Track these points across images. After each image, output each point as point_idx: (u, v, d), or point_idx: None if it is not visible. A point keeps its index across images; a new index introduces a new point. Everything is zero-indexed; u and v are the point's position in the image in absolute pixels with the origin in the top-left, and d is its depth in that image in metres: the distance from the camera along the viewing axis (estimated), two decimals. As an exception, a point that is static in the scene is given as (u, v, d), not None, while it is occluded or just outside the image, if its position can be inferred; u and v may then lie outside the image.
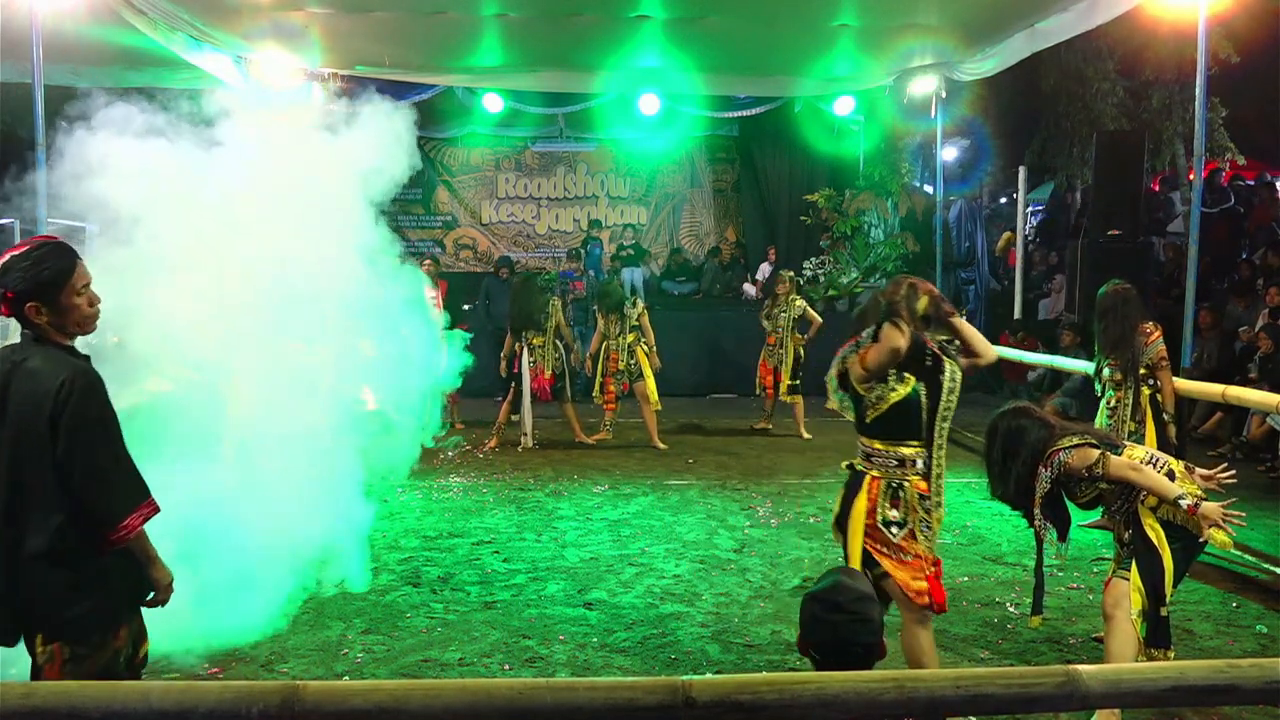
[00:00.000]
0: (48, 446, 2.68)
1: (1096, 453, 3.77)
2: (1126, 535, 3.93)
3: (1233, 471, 3.99)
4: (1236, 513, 3.68)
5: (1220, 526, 3.69)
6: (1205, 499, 3.73)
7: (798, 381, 10.06)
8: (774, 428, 10.27)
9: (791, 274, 10.56)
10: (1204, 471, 3.94)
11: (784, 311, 10.03)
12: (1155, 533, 3.82)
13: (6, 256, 2.75)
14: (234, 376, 4.84)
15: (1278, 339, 9.37)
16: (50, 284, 2.73)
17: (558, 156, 15.45)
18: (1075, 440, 3.82)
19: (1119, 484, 3.81)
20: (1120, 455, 3.81)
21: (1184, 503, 3.67)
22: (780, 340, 10.04)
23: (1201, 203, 7.95)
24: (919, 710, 1.61)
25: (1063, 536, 3.98)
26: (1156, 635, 3.80)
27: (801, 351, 10.07)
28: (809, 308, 10.19)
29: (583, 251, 14.00)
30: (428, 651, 4.68)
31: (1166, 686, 1.66)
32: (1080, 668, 1.67)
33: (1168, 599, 3.83)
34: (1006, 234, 14.52)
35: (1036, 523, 3.91)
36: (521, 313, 9.49)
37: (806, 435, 10.02)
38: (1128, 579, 3.86)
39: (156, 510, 2.86)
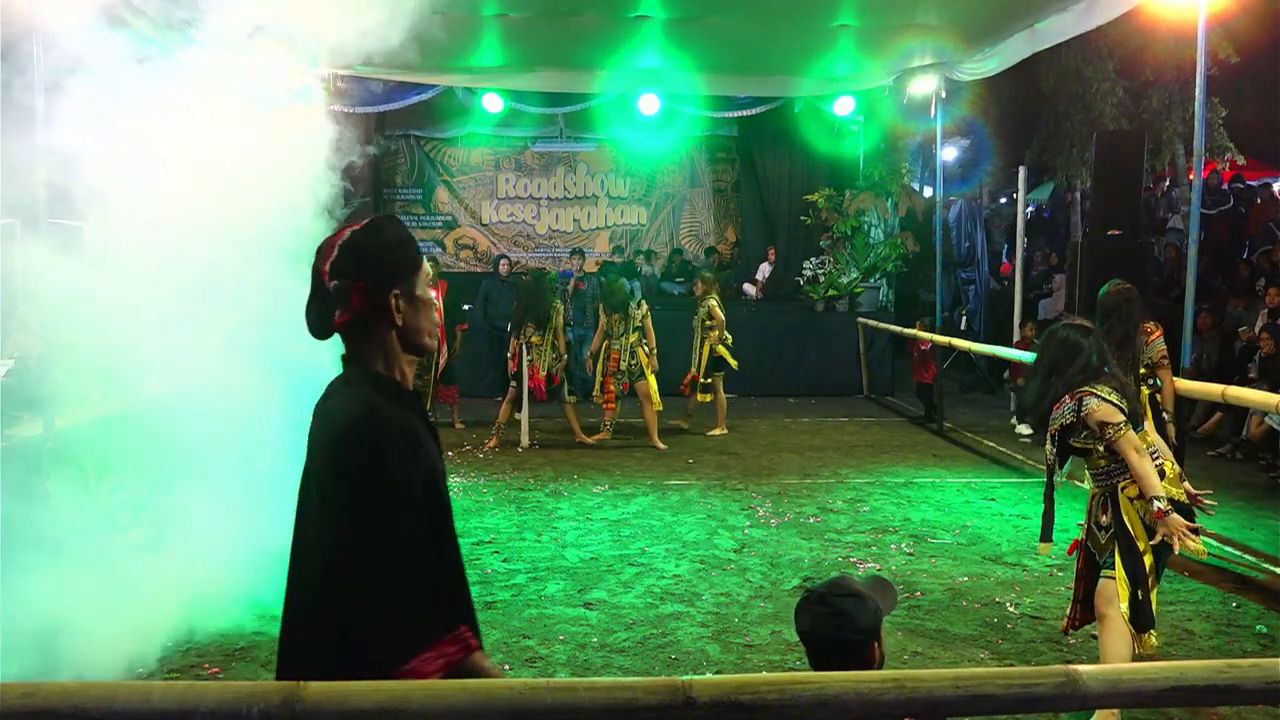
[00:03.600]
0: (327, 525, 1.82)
1: (1121, 418, 3.80)
2: (1105, 518, 3.98)
3: (1214, 502, 4.10)
4: (1196, 542, 3.75)
5: (1170, 540, 3.75)
6: (1173, 511, 3.78)
7: (709, 380, 10.12)
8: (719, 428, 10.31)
9: (709, 275, 10.70)
10: (1190, 488, 3.99)
11: (695, 311, 10.12)
12: (1131, 520, 3.89)
13: (346, 234, 1.97)
14: (214, 379, 4.84)
15: (1279, 339, 9.37)
16: (412, 266, 1.99)
17: (558, 156, 15.45)
18: (1113, 396, 3.82)
19: (1116, 456, 3.84)
20: (1136, 432, 3.85)
21: (1156, 504, 3.75)
22: (697, 339, 10.11)
23: (1201, 204, 7.95)
24: (919, 710, 1.61)
25: (1061, 465, 4.10)
26: (1139, 618, 3.87)
27: (721, 350, 10.02)
28: (715, 306, 10.11)
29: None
30: (428, 651, 4.67)
31: (1166, 686, 1.66)
32: (1080, 668, 1.67)
33: (1149, 584, 3.89)
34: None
35: (1049, 448, 3.98)
36: (527, 309, 9.46)
37: (718, 431, 10.09)
38: (1113, 577, 3.92)
39: (465, 650, 1.90)
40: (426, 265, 2.08)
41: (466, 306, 11.51)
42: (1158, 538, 3.79)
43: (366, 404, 1.88)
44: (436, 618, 1.85)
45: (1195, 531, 3.80)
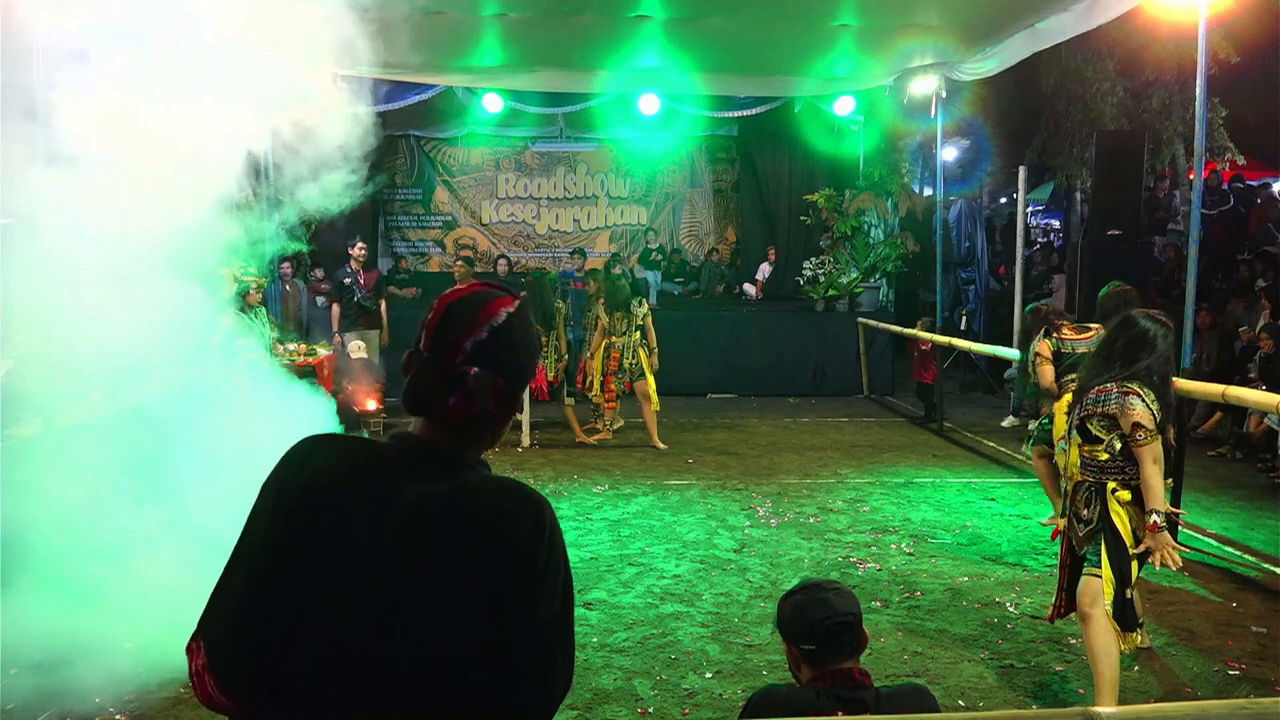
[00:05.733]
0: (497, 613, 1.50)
1: (1151, 428, 3.81)
2: (1086, 512, 3.99)
3: (1185, 518, 4.46)
4: (1176, 559, 3.77)
5: (1154, 555, 3.78)
6: (1166, 528, 3.81)
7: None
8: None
9: (600, 273, 10.56)
10: (1169, 507, 4.02)
11: (590, 310, 10.01)
12: (1122, 522, 3.90)
13: (499, 313, 1.63)
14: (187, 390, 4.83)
15: (1279, 339, 9.37)
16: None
17: (558, 156, 15.46)
18: (1157, 405, 3.83)
19: (1128, 456, 3.84)
20: (1158, 442, 3.87)
21: (1153, 517, 3.77)
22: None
23: (1201, 204, 7.94)
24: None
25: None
26: (1124, 619, 3.88)
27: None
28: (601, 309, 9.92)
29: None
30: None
31: (1186, 725, 1.65)
32: (1099, 709, 1.67)
33: (1132, 581, 3.91)
34: None
35: (1074, 423, 4.01)
36: (533, 311, 9.41)
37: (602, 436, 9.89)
38: (1098, 575, 3.91)
39: None
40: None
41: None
42: (1143, 548, 3.82)
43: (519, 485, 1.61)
44: None
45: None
